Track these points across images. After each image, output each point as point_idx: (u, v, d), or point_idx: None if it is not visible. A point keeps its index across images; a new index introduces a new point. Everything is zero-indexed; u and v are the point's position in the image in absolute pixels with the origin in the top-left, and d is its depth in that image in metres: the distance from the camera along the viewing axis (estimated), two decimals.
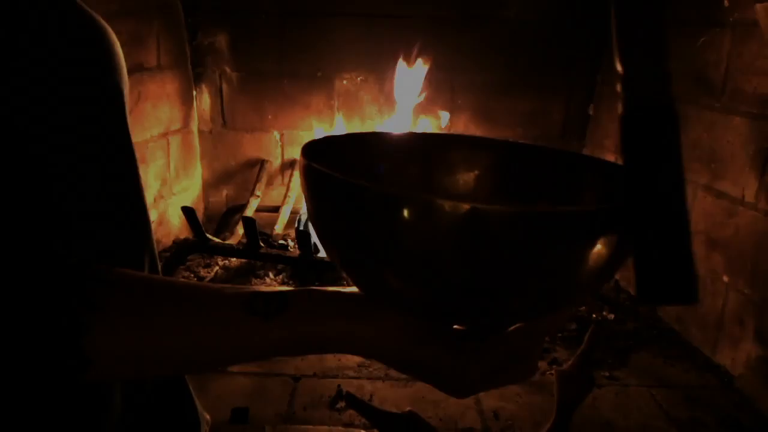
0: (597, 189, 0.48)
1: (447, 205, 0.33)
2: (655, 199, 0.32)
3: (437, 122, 1.87)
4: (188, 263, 1.66)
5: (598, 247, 0.35)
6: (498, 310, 0.40)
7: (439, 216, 0.34)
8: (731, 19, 1.25)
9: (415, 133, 0.56)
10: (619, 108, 0.33)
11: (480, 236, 0.34)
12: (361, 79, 1.88)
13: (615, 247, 0.36)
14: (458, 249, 0.35)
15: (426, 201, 0.34)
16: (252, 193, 1.87)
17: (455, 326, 0.44)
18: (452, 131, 1.89)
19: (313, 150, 0.45)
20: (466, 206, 0.33)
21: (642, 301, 0.33)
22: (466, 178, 0.55)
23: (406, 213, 0.34)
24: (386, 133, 0.57)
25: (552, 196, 0.51)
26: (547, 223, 0.34)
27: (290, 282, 1.59)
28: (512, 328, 0.44)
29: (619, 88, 0.33)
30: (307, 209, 0.44)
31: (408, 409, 0.79)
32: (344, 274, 0.44)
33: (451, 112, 1.88)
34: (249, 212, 1.78)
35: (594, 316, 1.44)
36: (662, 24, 0.34)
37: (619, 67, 0.33)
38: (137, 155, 0.52)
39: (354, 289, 0.44)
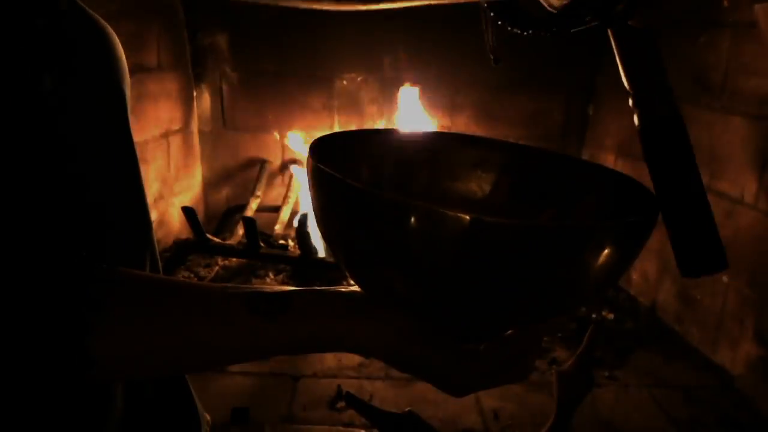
0: (599, 194, 0.48)
1: (450, 215, 0.34)
2: (686, 196, 0.39)
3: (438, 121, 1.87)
4: (188, 263, 1.66)
5: (598, 260, 0.36)
6: (498, 315, 0.40)
7: (442, 225, 0.34)
8: (731, 20, 1.26)
9: (422, 132, 0.56)
10: (636, 120, 0.39)
11: (480, 246, 0.34)
12: (361, 79, 1.88)
13: (614, 258, 0.36)
14: (460, 256, 0.35)
15: (430, 210, 0.35)
16: (252, 193, 1.87)
17: (455, 327, 0.45)
18: (452, 131, 1.89)
19: (321, 148, 0.45)
20: (468, 217, 0.33)
21: (687, 275, 0.39)
22: (472, 177, 0.55)
23: (411, 220, 0.35)
24: (393, 131, 0.58)
25: (554, 199, 0.51)
26: (546, 236, 0.34)
27: (290, 282, 1.59)
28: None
29: (631, 103, 0.39)
30: (313, 209, 0.45)
31: (408, 409, 0.79)
32: (347, 273, 0.44)
33: (452, 112, 1.88)
34: (249, 212, 1.78)
35: (594, 316, 1.45)
36: (658, 48, 0.39)
37: (628, 86, 0.39)
38: (138, 155, 0.52)
39: (355, 288, 0.44)
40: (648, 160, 0.39)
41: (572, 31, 0.42)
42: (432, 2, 0.41)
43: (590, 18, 0.40)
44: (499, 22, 0.44)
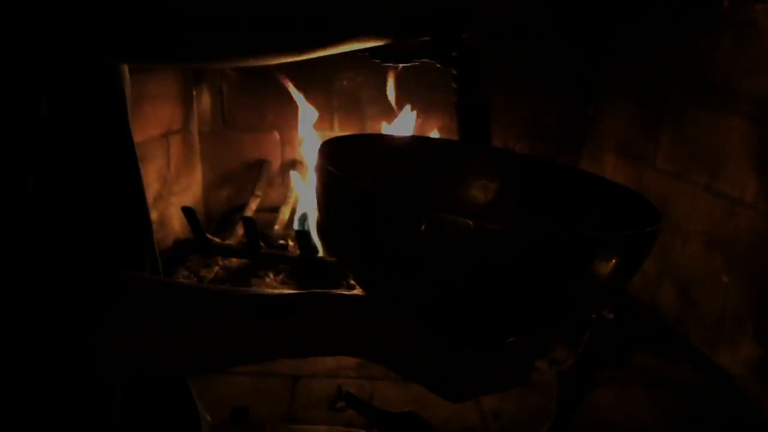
0: (602, 206, 0.49)
1: (455, 221, 0.34)
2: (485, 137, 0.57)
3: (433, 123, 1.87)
4: (188, 263, 1.66)
5: (602, 270, 0.36)
6: (500, 323, 0.40)
7: (446, 230, 0.34)
8: (731, 20, 1.26)
9: (430, 138, 0.58)
10: (455, 97, 0.57)
11: (483, 252, 0.34)
12: (361, 79, 1.88)
13: (617, 269, 0.36)
14: (462, 262, 0.35)
15: (436, 216, 0.35)
16: (252, 193, 1.87)
17: (457, 333, 0.45)
18: (452, 131, 1.88)
19: (330, 149, 0.46)
20: (471, 223, 0.34)
21: None
22: (477, 185, 0.56)
23: (417, 225, 0.35)
24: (399, 136, 0.59)
25: (557, 209, 0.52)
26: (550, 246, 0.34)
27: (290, 282, 1.59)
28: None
29: (454, 85, 0.56)
30: (318, 209, 0.45)
31: (408, 409, 0.79)
32: (350, 275, 0.45)
33: (452, 112, 1.88)
34: (249, 212, 1.78)
35: (594, 316, 1.45)
36: (481, 62, 0.56)
37: (454, 72, 0.56)
38: (137, 155, 0.52)
39: (357, 292, 0.44)
40: (462, 125, 0.56)
41: (424, 60, 0.57)
42: (350, 49, 0.50)
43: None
44: (367, 54, 0.58)
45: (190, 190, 1.87)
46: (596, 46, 1.83)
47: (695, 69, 1.37)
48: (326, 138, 0.49)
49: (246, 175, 1.95)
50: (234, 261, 1.68)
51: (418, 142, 0.60)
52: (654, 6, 1.57)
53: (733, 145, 1.25)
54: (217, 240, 1.63)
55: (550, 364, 1.24)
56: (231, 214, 1.95)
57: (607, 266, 0.36)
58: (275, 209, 1.87)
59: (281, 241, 1.76)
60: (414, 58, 0.58)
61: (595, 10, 1.79)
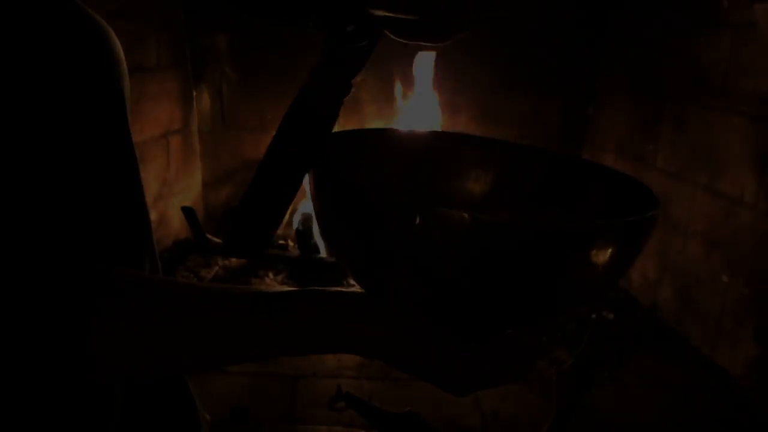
0: (599, 193, 0.49)
1: (450, 214, 0.34)
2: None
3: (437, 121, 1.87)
4: (188, 263, 1.66)
5: (596, 260, 0.36)
6: (498, 314, 0.40)
7: (442, 224, 0.34)
8: (731, 19, 1.26)
9: (423, 132, 0.57)
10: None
11: (480, 245, 0.34)
12: (360, 79, 1.88)
13: (613, 259, 0.36)
14: (459, 255, 0.35)
15: (431, 210, 0.35)
16: None
17: (456, 327, 0.45)
18: (452, 131, 1.89)
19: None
20: (467, 216, 0.33)
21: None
22: (472, 177, 0.55)
23: (411, 220, 0.35)
24: (394, 130, 0.58)
25: (554, 198, 0.52)
26: (546, 237, 0.34)
27: (290, 282, 1.59)
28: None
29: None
30: (314, 207, 0.45)
31: (408, 409, 0.79)
32: (348, 273, 0.44)
33: (451, 112, 1.88)
34: None
35: (594, 316, 1.45)
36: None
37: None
38: (137, 155, 0.52)
39: (356, 289, 0.44)
40: (290, 122, 0.47)
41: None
42: None
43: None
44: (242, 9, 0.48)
45: (190, 190, 1.87)
46: (596, 45, 1.83)
47: (695, 69, 1.37)
48: None
49: (246, 175, 1.95)
50: (234, 261, 1.68)
51: (413, 135, 0.59)
52: (654, 6, 1.57)
53: (733, 145, 1.25)
54: (217, 240, 1.63)
55: (550, 364, 1.24)
56: (231, 214, 1.95)
57: (605, 255, 0.36)
58: None
59: (281, 241, 1.76)
60: (295, 18, 0.46)
61: (594, 10, 1.79)
